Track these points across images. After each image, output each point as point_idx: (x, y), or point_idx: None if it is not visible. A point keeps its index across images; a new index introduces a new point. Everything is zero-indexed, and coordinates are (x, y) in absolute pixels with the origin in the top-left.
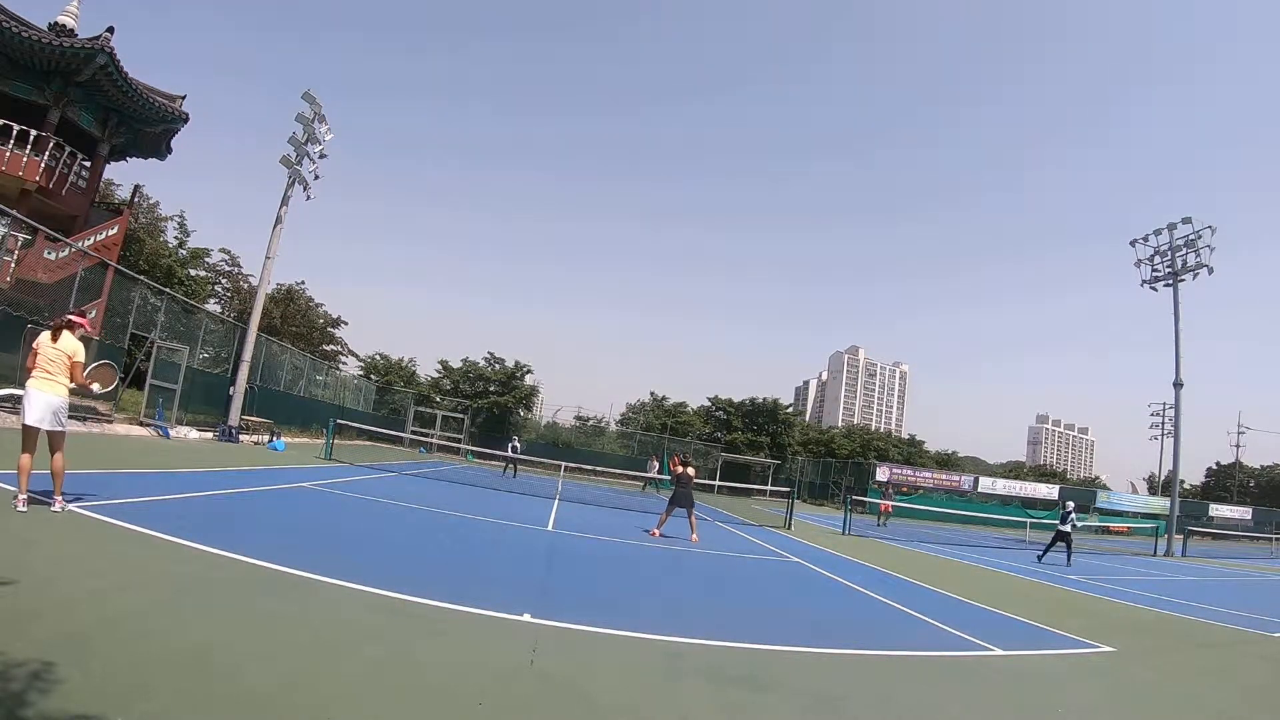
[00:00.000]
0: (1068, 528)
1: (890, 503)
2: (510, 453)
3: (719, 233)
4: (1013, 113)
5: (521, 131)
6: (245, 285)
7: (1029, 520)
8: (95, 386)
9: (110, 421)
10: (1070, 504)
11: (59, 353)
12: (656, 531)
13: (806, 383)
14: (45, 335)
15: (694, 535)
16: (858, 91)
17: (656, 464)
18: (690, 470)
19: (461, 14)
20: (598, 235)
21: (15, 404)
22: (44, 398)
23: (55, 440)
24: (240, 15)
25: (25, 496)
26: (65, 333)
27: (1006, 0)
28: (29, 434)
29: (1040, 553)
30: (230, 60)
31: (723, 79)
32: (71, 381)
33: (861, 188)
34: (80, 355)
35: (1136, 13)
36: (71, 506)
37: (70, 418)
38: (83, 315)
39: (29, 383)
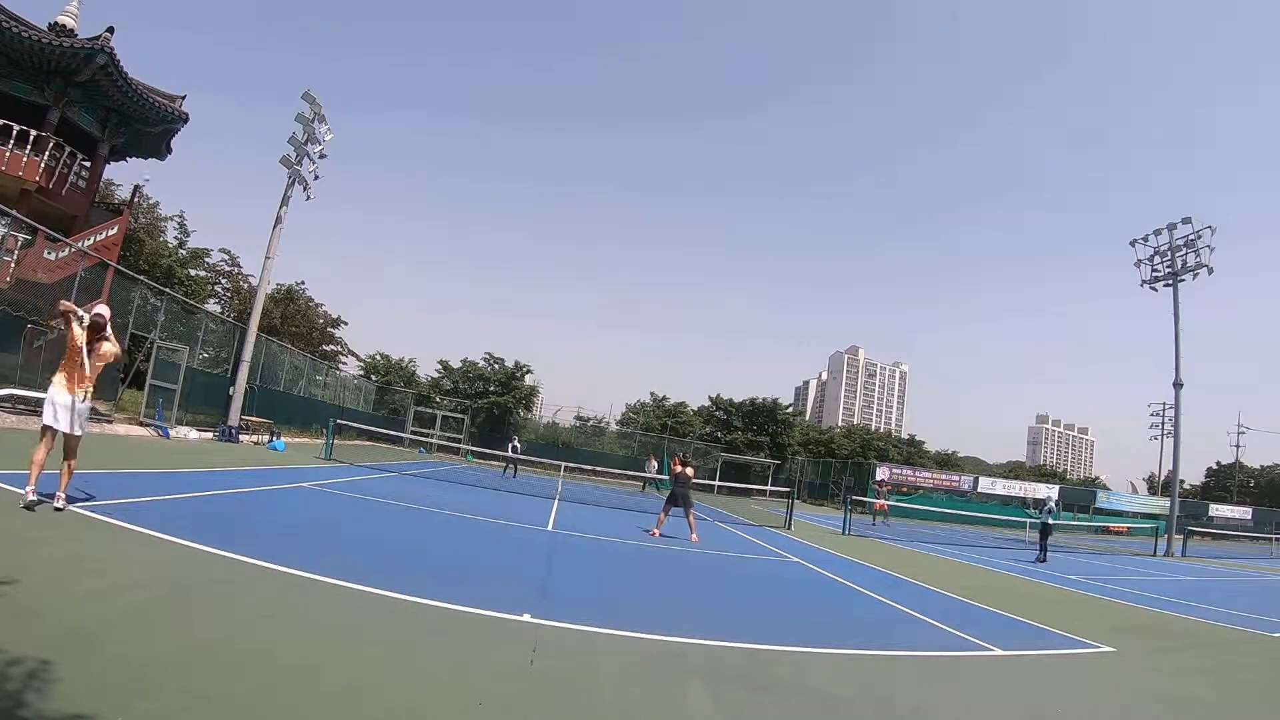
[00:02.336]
0: (1051, 521)
1: (885, 501)
2: (510, 453)
3: (722, 235)
4: (1017, 129)
5: (526, 141)
6: (245, 285)
7: (1029, 520)
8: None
9: (110, 421)
10: (1050, 500)
11: (98, 364)
12: (656, 531)
13: (806, 383)
14: (80, 335)
15: (693, 535)
16: (866, 105)
17: (655, 463)
18: (689, 470)
19: (469, 28)
20: (598, 239)
21: (15, 404)
22: (76, 403)
23: (74, 444)
24: (239, 21)
25: (33, 489)
26: (108, 344)
27: (1013, 15)
28: (51, 434)
29: (1037, 555)
30: (230, 62)
31: (726, 97)
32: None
33: (868, 197)
34: (115, 353)
35: (1136, 23)
36: (71, 506)
37: None
38: (104, 324)
39: (59, 385)
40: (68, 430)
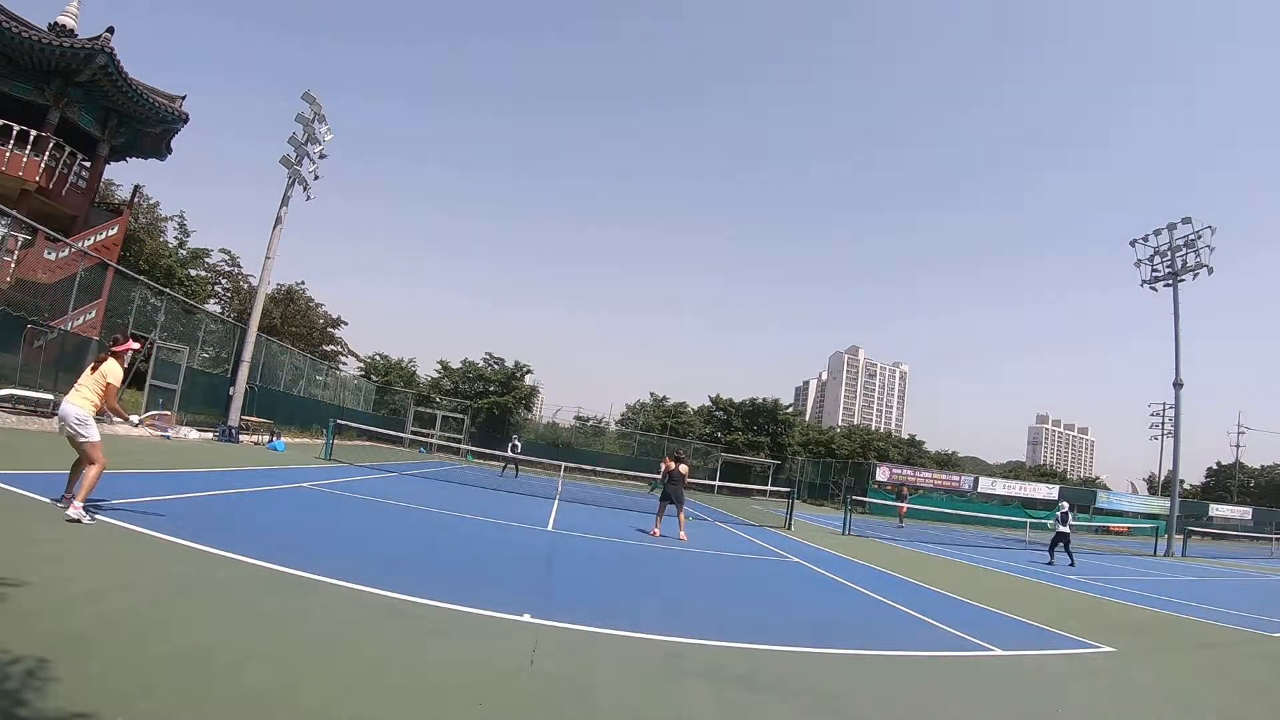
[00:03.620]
0: (1066, 528)
1: (906, 504)
2: (510, 452)
3: (719, 234)
4: (1012, 113)
5: (520, 132)
6: (245, 285)
7: (1029, 520)
8: (134, 419)
9: (110, 422)
10: (1065, 504)
11: (94, 376)
12: (656, 531)
13: (806, 383)
14: (91, 364)
15: (682, 534)
16: (858, 92)
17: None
18: (683, 468)
19: (460, 14)
20: (596, 236)
21: (16, 404)
22: (64, 408)
23: (82, 450)
24: (239, 16)
25: (68, 495)
26: (110, 360)
27: (1006, 1)
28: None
29: (1049, 559)
30: (230, 61)
31: (722, 80)
32: (103, 402)
33: (861, 189)
34: (114, 378)
35: (1136, 13)
36: (72, 511)
37: None
38: (124, 342)
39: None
40: (69, 434)
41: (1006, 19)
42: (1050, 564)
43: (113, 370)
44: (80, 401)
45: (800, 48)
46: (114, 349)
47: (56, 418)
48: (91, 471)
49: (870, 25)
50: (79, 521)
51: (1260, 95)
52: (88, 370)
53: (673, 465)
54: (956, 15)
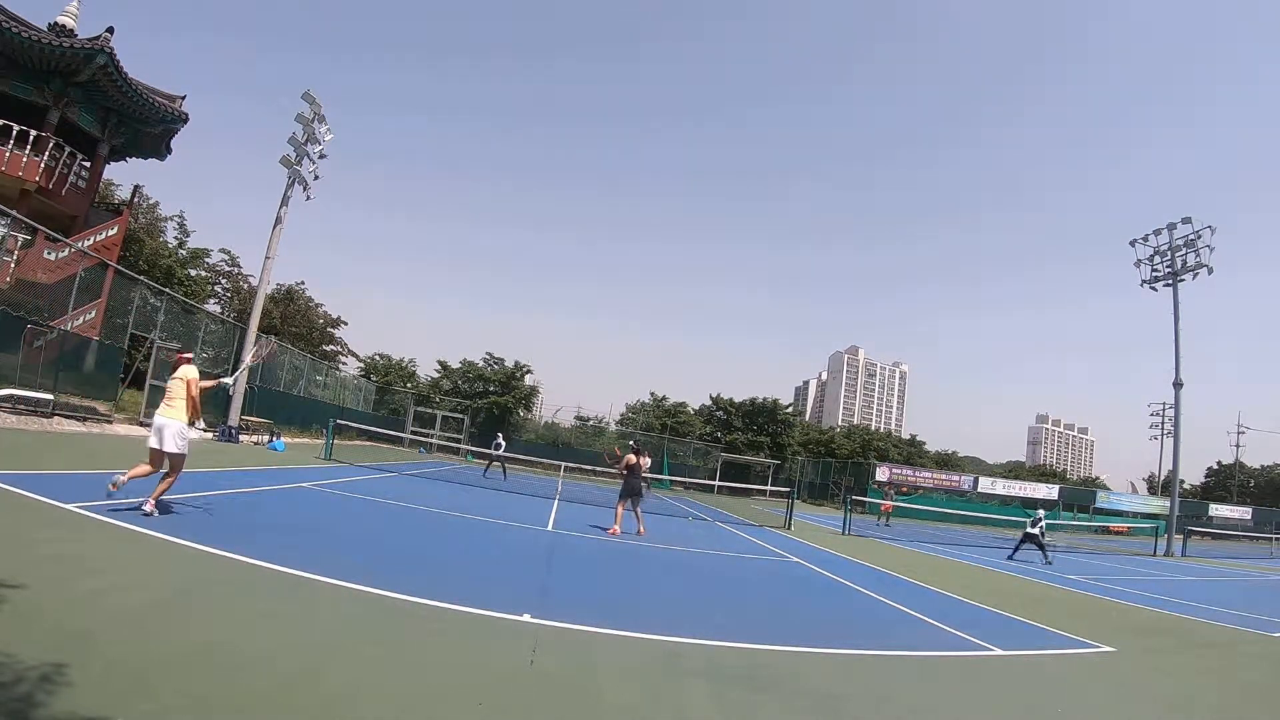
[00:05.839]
0: (1036, 531)
1: (891, 502)
2: (494, 450)
3: (720, 235)
4: (1019, 117)
5: (523, 140)
6: (245, 285)
7: (1029, 520)
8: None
9: (110, 422)
10: (1041, 511)
11: (177, 381)
12: (641, 530)
13: (806, 383)
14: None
15: (614, 528)
16: (866, 105)
17: (647, 460)
18: (644, 460)
19: (466, 28)
20: (598, 238)
21: (15, 404)
22: (165, 423)
23: (174, 461)
24: (244, 21)
25: (125, 479)
26: (183, 366)
27: (1012, 15)
28: (153, 453)
29: (1010, 554)
30: (231, 63)
31: (724, 97)
32: (190, 398)
33: (865, 192)
34: (194, 374)
35: (1134, 23)
36: (73, 506)
37: (69, 418)
38: (185, 353)
39: (157, 411)
40: (170, 449)
41: (1011, 31)
42: (1010, 559)
43: (192, 372)
44: (180, 417)
45: (808, 68)
46: (182, 357)
47: (154, 429)
48: (171, 479)
49: (872, 43)
50: (151, 515)
51: (1262, 95)
52: (168, 384)
53: (633, 459)
54: (958, 30)
